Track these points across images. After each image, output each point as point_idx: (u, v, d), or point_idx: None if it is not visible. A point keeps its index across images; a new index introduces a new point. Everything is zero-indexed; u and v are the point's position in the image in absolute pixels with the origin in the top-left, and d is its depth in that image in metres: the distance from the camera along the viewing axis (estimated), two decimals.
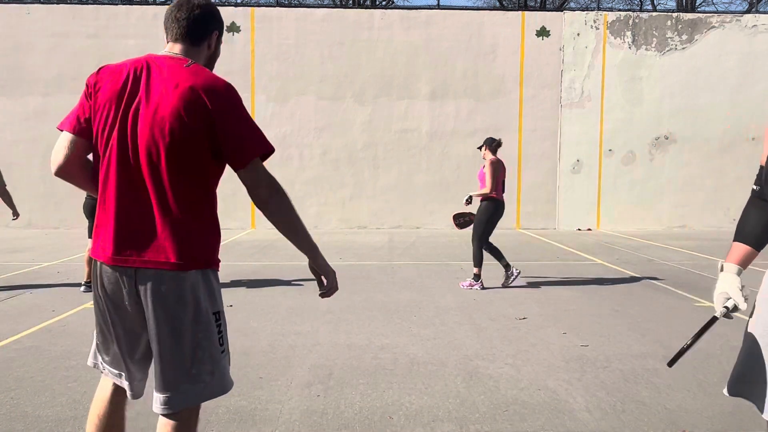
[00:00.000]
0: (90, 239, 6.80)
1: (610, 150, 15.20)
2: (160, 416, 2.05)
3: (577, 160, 15.21)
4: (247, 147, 1.99)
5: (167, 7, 2.16)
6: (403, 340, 4.99)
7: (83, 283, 6.86)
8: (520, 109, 15.16)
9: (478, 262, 7.16)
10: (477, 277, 7.16)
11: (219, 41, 2.20)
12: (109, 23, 14.72)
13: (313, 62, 14.95)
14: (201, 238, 2.03)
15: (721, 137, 15.22)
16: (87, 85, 2.06)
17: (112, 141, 1.99)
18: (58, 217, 14.38)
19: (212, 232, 2.07)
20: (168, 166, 1.95)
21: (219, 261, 2.12)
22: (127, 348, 2.10)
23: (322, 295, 2.23)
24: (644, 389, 3.87)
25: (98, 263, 2.05)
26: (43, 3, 14.72)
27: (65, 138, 2.08)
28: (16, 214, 7.34)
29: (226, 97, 1.98)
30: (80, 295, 6.63)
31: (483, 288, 7.16)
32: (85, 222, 6.88)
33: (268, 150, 2.03)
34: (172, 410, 2.01)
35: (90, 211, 6.69)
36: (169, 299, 1.97)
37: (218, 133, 1.96)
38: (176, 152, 1.94)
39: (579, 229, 15.01)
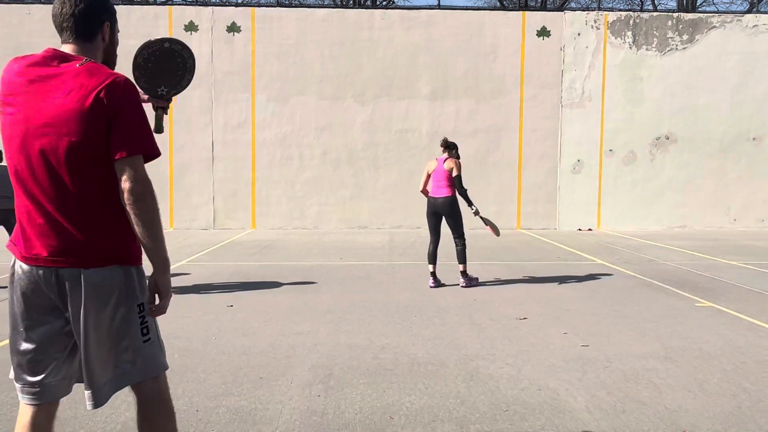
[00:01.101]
0: None
1: (610, 150, 15.19)
2: (133, 389, 2.15)
3: (578, 160, 15.20)
4: (131, 140, 1.99)
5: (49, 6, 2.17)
6: (404, 340, 4.99)
7: None
8: (520, 110, 15.15)
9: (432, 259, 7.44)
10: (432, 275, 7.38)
11: (113, 30, 2.19)
12: None
13: (314, 62, 14.95)
14: (113, 236, 2.05)
15: (721, 137, 15.22)
16: None
17: (15, 146, 2.02)
18: None
19: (124, 228, 2.07)
20: (69, 168, 1.97)
21: (139, 256, 2.14)
22: (47, 349, 2.08)
23: (151, 313, 2.15)
24: (645, 389, 3.87)
25: (16, 263, 2.07)
26: (43, 3, 14.72)
27: None
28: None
29: (123, 90, 2.00)
30: None
31: (436, 285, 7.29)
32: None
33: (152, 152, 2.06)
34: (98, 405, 2.07)
35: None
36: (86, 296, 2.01)
37: (110, 125, 1.97)
38: (76, 154, 1.97)
39: (579, 229, 15.01)
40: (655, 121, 15.16)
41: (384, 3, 26.16)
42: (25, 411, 2.11)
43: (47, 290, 2.03)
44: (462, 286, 7.23)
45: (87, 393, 2.07)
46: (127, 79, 2.03)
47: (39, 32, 14.64)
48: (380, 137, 15.11)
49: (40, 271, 2.02)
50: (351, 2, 24.78)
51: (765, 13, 15.71)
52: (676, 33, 15.14)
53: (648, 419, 3.41)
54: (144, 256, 2.14)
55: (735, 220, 15.31)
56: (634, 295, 6.84)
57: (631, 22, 15.17)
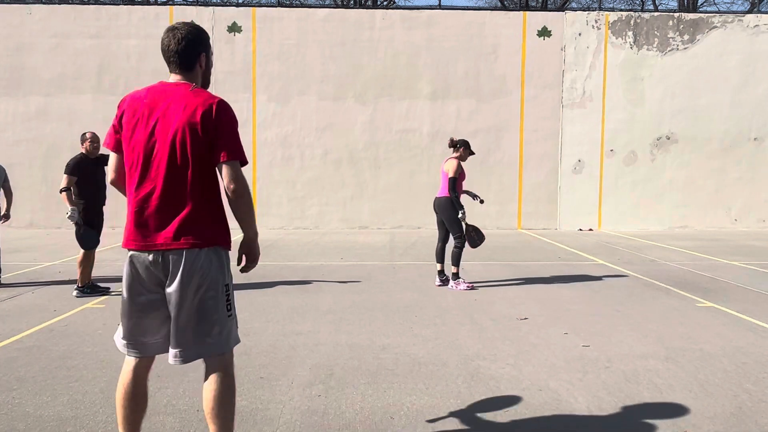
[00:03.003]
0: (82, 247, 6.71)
1: (611, 150, 15.18)
2: (206, 366, 2.57)
3: (579, 161, 15.20)
4: (231, 149, 2.51)
5: (162, 35, 2.66)
6: (405, 340, 4.99)
7: (76, 287, 6.68)
8: (521, 110, 15.15)
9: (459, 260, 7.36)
10: (456, 275, 7.29)
11: (208, 58, 2.70)
12: (111, 23, 14.73)
13: (315, 62, 14.95)
14: (214, 224, 2.56)
15: (722, 137, 15.20)
16: (116, 116, 2.61)
17: (137, 152, 2.51)
18: (59, 217, 14.37)
19: (222, 218, 2.61)
20: (183, 166, 2.48)
21: (230, 241, 2.62)
22: (152, 319, 2.57)
23: (245, 270, 2.74)
24: (645, 389, 3.87)
25: (129, 251, 2.55)
26: (44, 3, 14.73)
27: (112, 156, 2.64)
28: (6, 217, 7.34)
29: (221, 110, 2.52)
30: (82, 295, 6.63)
31: (442, 284, 7.32)
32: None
33: (244, 159, 2.56)
34: (182, 363, 2.54)
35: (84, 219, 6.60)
36: (189, 275, 2.48)
37: (214, 137, 2.49)
38: (190, 155, 2.47)
39: (580, 230, 15.00)
40: (656, 121, 15.16)
41: (385, 3, 26.16)
42: (129, 361, 2.64)
43: (154, 270, 2.51)
44: (449, 288, 7.19)
45: (175, 351, 2.52)
46: (222, 100, 2.55)
47: (39, 32, 14.66)
48: (381, 137, 15.11)
49: (151, 255, 2.50)
50: (352, 2, 24.78)
51: (766, 13, 15.70)
52: (677, 33, 15.13)
53: (649, 420, 3.40)
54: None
55: (736, 220, 15.30)
56: (635, 296, 6.83)
57: (632, 22, 15.16)
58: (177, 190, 2.48)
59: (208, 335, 2.53)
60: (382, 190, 15.11)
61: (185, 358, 2.53)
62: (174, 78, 2.64)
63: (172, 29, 2.62)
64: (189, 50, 2.60)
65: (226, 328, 2.58)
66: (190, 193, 2.49)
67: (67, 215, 6.51)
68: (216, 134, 2.49)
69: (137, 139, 2.52)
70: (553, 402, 3.65)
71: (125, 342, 2.62)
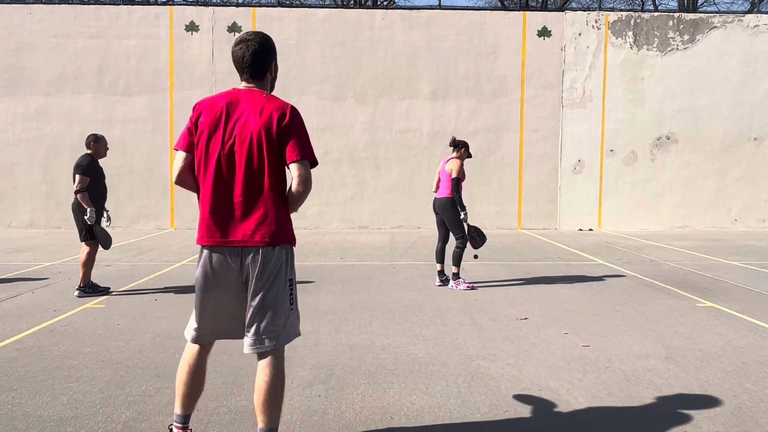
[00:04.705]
0: (83, 243, 6.71)
1: (611, 150, 15.18)
2: (259, 360, 2.74)
3: (579, 161, 15.19)
4: (302, 150, 2.70)
5: (233, 47, 2.81)
6: (405, 340, 4.99)
7: (78, 287, 6.66)
8: (521, 110, 15.15)
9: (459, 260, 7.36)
10: (456, 275, 7.30)
11: (275, 66, 2.89)
12: (111, 23, 14.73)
13: (315, 62, 14.95)
14: (285, 222, 2.75)
15: (722, 137, 15.20)
16: (190, 118, 2.76)
17: (215, 154, 2.67)
18: (59, 217, 14.39)
19: (289, 216, 2.81)
20: (259, 167, 2.66)
21: (295, 238, 2.84)
22: (223, 312, 2.76)
23: None
24: (645, 389, 3.87)
25: (204, 248, 2.72)
26: (44, 3, 14.73)
27: (179, 155, 2.77)
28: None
29: (294, 114, 2.72)
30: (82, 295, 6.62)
31: (442, 284, 7.32)
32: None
33: (315, 160, 2.77)
34: (258, 351, 2.71)
35: (79, 209, 6.65)
36: (264, 270, 2.67)
37: (287, 138, 2.68)
38: (266, 156, 2.66)
39: (580, 230, 15.00)
40: (656, 121, 15.15)
41: (385, 3, 26.15)
42: (192, 347, 2.83)
43: (233, 264, 2.68)
44: (450, 288, 7.19)
45: (250, 341, 2.71)
46: (294, 106, 2.76)
47: (40, 32, 14.66)
48: (381, 137, 15.11)
49: (228, 251, 2.67)
50: (352, 2, 24.78)
51: (766, 13, 15.69)
52: (677, 33, 15.13)
53: (649, 420, 3.40)
54: None
55: (736, 220, 15.30)
56: (635, 296, 6.84)
57: (632, 22, 15.16)
58: (254, 189, 2.67)
59: (276, 328, 2.71)
60: (382, 190, 15.11)
61: (259, 348, 2.71)
62: (245, 85, 2.81)
63: (245, 40, 2.77)
64: (261, 61, 2.78)
65: (290, 321, 2.77)
66: (265, 193, 2.67)
67: (86, 216, 6.56)
68: (289, 136, 2.67)
69: (215, 142, 2.68)
70: (553, 402, 3.65)
71: (195, 334, 2.80)
